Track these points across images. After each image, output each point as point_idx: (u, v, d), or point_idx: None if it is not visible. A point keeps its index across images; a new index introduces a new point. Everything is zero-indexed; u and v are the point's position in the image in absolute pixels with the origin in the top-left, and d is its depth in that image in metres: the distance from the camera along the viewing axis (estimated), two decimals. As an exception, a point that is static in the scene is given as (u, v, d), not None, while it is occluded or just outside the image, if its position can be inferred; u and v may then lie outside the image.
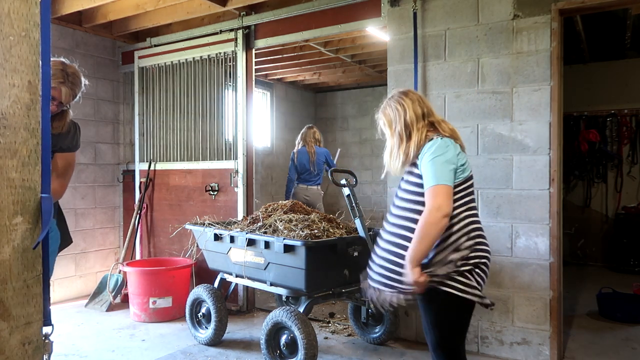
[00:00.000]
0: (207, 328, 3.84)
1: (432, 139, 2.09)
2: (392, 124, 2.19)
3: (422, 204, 2.04)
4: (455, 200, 2.03)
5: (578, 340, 3.87)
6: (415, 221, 2.04)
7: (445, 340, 2.09)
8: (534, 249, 3.35)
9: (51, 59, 2.03)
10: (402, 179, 2.19)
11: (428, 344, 2.15)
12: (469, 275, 2.02)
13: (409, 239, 2.04)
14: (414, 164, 2.12)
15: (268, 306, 4.79)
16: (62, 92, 2.38)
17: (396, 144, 2.17)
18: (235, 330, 4.15)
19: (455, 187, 2.04)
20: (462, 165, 2.06)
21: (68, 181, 2.51)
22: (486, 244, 2.11)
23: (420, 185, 2.06)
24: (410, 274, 2.00)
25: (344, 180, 3.65)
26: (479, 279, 2.05)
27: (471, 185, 2.12)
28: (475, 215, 2.12)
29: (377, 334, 3.76)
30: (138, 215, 5.22)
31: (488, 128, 3.49)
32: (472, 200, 2.12)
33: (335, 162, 6.13)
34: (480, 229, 2.11)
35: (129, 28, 5.10)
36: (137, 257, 5.24)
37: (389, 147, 2.21)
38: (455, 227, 2.03)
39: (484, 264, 2.07)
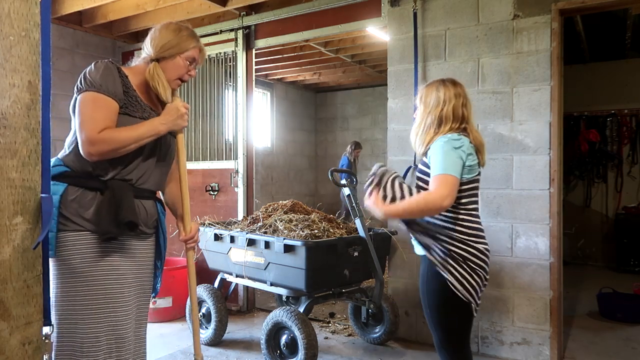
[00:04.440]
0: (207, 328, 3.84)
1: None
2: (433, 106, 2.12)
3: None
4: (459, 198, 2.02)
5: (578, 340, 3.87)
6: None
7: (449, 340, 2.11)
8: (534, 249, 3.35)
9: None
10: (418, 169, 2.17)
11: (434, 343, 2.17)
12: (469, 277, 2.02)
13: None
14: (426, 155, 2.10)
15: (268, 306, 4.79)
16: (200, 52, 1.99)
17: (426, 127, 2.12)
18: (235, 330, 4.15)
19: (461, 185, 2.02)
20: (470, 166, 2.04)
21: None
22: (486, 254, 2.09)
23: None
24: (382, 209, 2.06)
25: (344, 180, 3.65)
26: (476, 285, 2.04)
27: (476, 188, 2.10)
28: (478, 217, 2.11)
29: (377, 334, 3.76)
30: (138, 215, 5.21)
31: (488, 128, 3.49)
32: (476, 202, 2.11)
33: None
34: (481, 230, 2.10)
35: (129, 28, 5.10)
36: (137, 257, 5.23)
37: (420, 127, 2.15)
38: (457, 233, 2.03)
39: (482, 268, 2.06)
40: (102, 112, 1.74)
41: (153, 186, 1.96)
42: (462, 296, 2.01)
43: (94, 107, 1.74)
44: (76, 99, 1.79)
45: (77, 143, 1.77)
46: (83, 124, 1.72)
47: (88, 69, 1.80)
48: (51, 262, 1.74)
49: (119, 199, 1.78)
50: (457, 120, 2.10)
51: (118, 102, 1.80)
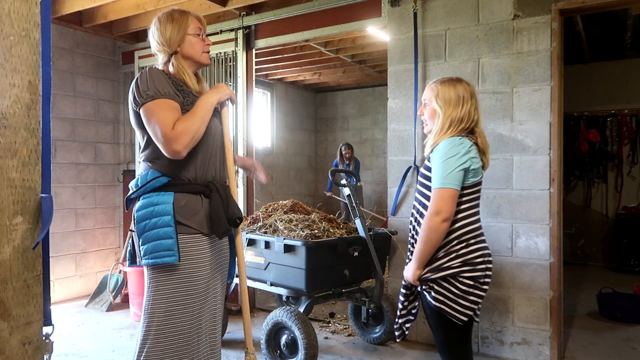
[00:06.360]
0: (207, 328, 3.84)
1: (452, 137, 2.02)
2: (454, 105, 2.04)
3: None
4: (459, 204, 1.99)
5: (578, 340, 3.87)
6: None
7: (450, 343, 2.11)
8: (534, 249, 3.35)
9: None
10: (420, 173, 2.14)
11: (436, 345, 2.18)
12: (465, 295, 2.00)
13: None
14: (429, 159, 2.08)
15: (268, 306, 4.79)
16: (199, 20, 2.13)
17: (444, 129, 2.04)
18: (235, 330, 4.14)
19: (463, 189, 1.99)
20: (475, 169, 2.00)
21: None
22: (487, 253, 2.06)
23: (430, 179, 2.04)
24: (411, 272, 2.05)
25: (344, 180, 3.65)
26: (474, 298, 2.01)
27: (478, 191, 2.07)
28: (478, 221, 2.07)
29: (377, 334, 3.76)
30: (138, 215, 5.21)
31: (488, 128, 3.48)
32: (477, 206, 2.07)
33: None
34: (481, 234, 2.07)
35: (129, 28, 5.10)
36: (137, 257, 5.23)
37: (440, 130, 2.06)
38: (454, 234, 2.01)
39: (484, 275, 2.03)
40: (167, 113, 1.86)
41: (225, 178, 2.12)
42: (458, 322, 2.01)
43: (159, 110, 1.85)
44: (137, 112, 1.91)
45: (158, 152, 1.90)
46: (156, 129, 1.84)
47: (137, 80, 1.91)
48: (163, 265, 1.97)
49: (225, 199, 1.95)
50: (470, 122, 2.05)
51: (178, 102, 1.92)
